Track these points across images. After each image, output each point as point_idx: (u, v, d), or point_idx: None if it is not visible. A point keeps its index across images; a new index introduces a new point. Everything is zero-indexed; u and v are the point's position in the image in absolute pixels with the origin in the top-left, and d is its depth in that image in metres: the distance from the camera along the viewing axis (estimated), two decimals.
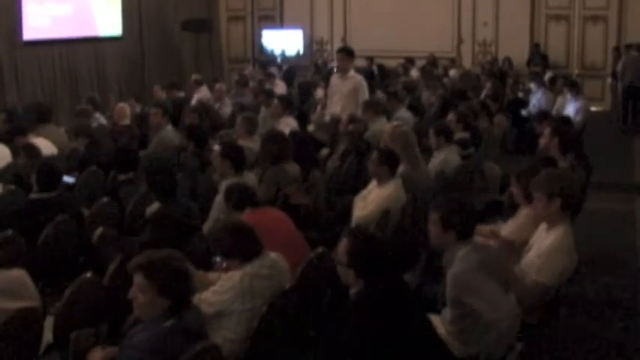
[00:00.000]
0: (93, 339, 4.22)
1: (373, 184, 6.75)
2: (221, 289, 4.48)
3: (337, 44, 18.86)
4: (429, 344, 4.10)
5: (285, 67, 18.84)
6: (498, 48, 19.44)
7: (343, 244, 4.16)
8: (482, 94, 13.59)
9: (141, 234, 5.77)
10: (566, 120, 9.94)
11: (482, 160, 8.42)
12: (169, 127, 9.71)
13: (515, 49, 18.79)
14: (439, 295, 5.06)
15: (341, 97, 10.24)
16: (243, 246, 4.59)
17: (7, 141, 8.70)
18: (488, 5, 19.24)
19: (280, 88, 14.74)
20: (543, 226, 4.95)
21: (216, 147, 7.93)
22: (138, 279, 3.73)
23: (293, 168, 7.42)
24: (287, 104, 10.57)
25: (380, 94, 12.43)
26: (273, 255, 4.72)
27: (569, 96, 12.86)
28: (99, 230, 5.94)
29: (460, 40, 19.78)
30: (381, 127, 8.90)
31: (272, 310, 4.42)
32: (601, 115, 17.03)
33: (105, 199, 6.78)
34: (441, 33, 19.53)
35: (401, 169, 6.88)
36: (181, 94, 13.73)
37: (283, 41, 20.67)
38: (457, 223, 4.51)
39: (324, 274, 4.99)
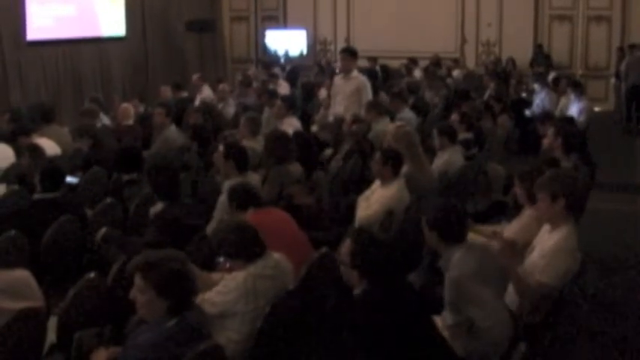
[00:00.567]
0: (96, 339, 4.22)
1: (377, 184, 6.75)
2: (224, 290, 4.47)
3: (341, 44, 18.86)
4: (433, 345, 4.10)
5: (288, 68, 18.84)
6: (502, 48, 19.43)
7: (346, 245, 4.17)
8: (486, 95, 13.60)
9: (144, 234, 5.78)
10: (570, 120, 9.93)
11: (486, 160, 8.42)
12: (173, 127, 9.72)
13: (519, 50, 18.77)
14: (443, 295, 5.07)
15: (344, 97, 10.24)
16: (246, 246, 4.59)
17: (11, 141, 8.71)
18: (491, 6, 19.22)
19: (284, 88, 14.74)
20: (547, 226, 4.95)
21: (221, 147, 7.94)
22: (137, 280, 3.73)
23: (296, 168, 7.43)
24: (290, 105, 10.57)
25: (383, 95, 12.42)
26: (276, 255, 4.72)
27: (572, 96, 12.83)
28: (102, 231, 5.93)
29: (464, 41, 19.77)
30: (384, 127, 8.91)
31: (275, 311, 4.42)
32: (604, 115, 17.01)
33: (108, 200, 6.78)
34: (444, 33, 19.52)
35: (404, 169, 6.88)
36: (185, 94, 13.75)
37: (287, 41, 20.66)
38: (442, 227, 4.56)
39: (328, 275, 4.99)
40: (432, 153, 8.09)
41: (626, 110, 16.16)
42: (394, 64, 18.34)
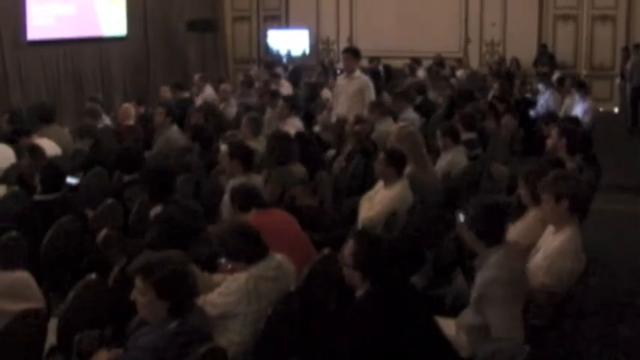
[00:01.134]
0: (97, 341, 4.22)
1: (380, 185, 6.75)
2: (226, 291, 4.48)
3: (343, 44, 18.86)
4: (436, 347, 4.09)
5: (290, 68, 18.84)
6: (506, 48, 19.42)
7: (349, 246, 4.16)
8: (490, 95, 13.57)
9: (146, 235, 5.78)
10: (575, 121, 9.92)
11: (490, 161, 8.40)
12: (174, 128, 9.73)
13: (523, 50, 18.76)
14: (447, 297, 5.07)
15: (347, 97, 10.24)
16: (248, 248, 4.59)
17: (11, 141, 8.72)
18: (495, 5, 19.22)
19: (286, 88, 14.75)
20: (551, 228, 4.95)
21: (223, 147, 7.95)
22: (138, 281, 3.74)
23: (299, 169, 7.43)
24: (293, 105, 10.58)
25: (386, 96, 12.42)
26: (278, 257, 4.72)
27: (577, 96, 12.83)
28: (103, 232, 5.93)
29: (467, 41, 19.76)
30: (387, 127, 8.91)
31: (277, 313, 4.42)
32: (609, 115, 16.98)
33: (109, 201, 6.77)
34: (448, 33, 19.51)
35: (408, 170, 6.88)
36: (186, 94, 13.75)
37: (289, 41, 20.66)
38: (482, 226, 4.46)
39: (330, 277, 4.99)
40: (435, 153, 8.08)
41: (632, 110, 16.14)
42: (397, 64, 18.35)
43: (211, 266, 5.20)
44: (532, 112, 13.44)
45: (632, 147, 14.18)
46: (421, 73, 16.82)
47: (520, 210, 5.88)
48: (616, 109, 17.80)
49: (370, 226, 6.08)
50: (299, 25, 20.95)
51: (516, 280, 4.40)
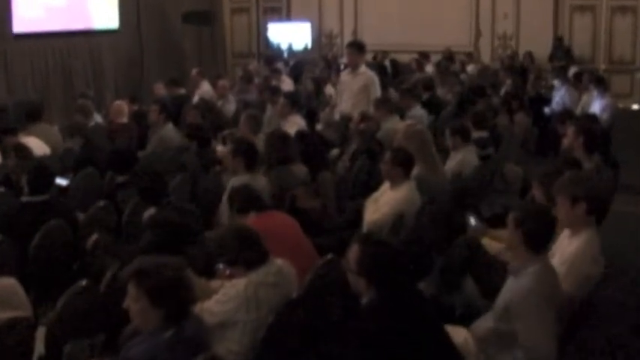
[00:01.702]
0: (88, 351, 4.23)
1: (386, 186, 6.75)
2: (224, 298, 4.48)
3: (347, 38, 18.82)
4: (444, 355, 4.10)
5: (292, 63, 18.84)
6: (519, 42, 19.36)
7: (353, 251, 4.16)
8: (502, 91, 13.58)
9: (139, 240, 5.78)
10: (592, 118, 9.91)
11: (503, 160, 8.40)
12: (170, 126, 9.73)
13: (538, 43, 18.71)
14: (457, 304, 5.07)
15: (351, 94, 10.23)
16: (247, 252, 4.59)
17: None
18: None
19: (287, 84, 14.75)
20: (567, 231, 4.95)
21: (220, 147, 7.95)
22: (131, 288, 3.74)
23: (300, 169, 7.44)
24: (294, 102, 10.58)
25: (393, 92, 12.42)
26: (279, 262, 4.72)
27: (595, 93, 12.80)
28: (94, 236, 5.95)
29: (478, 34, 19.74)
30: (394, 125, 8.91)
31: (278, 321, 4.42)
32: (629, 112, 16.94)
33: (101, 203, 6.79)
34: (457, 26, 19.47)
35: (416, 170, 6.88)
36: (182, 90, 13.75)
37: (290, 35, 20.62)
38: (530, 229, 4.42)
39: (334, 282, 5.00)
40: (444, 153, 8.08)
41: None
42: (404, 58, 18.35)
43: (209, 272, 5.21)
44: (547, 110, 13.43)
45: None
46: (429, 69, 16.81)
47: None
48: (636, 106, 17.76)
49: (376, 229, 6.08)
50: (301, 17, 20.94)
51: (555, 296, 4.41)
